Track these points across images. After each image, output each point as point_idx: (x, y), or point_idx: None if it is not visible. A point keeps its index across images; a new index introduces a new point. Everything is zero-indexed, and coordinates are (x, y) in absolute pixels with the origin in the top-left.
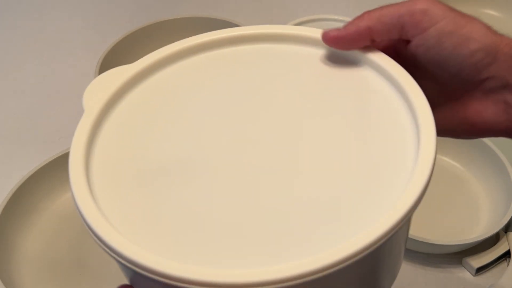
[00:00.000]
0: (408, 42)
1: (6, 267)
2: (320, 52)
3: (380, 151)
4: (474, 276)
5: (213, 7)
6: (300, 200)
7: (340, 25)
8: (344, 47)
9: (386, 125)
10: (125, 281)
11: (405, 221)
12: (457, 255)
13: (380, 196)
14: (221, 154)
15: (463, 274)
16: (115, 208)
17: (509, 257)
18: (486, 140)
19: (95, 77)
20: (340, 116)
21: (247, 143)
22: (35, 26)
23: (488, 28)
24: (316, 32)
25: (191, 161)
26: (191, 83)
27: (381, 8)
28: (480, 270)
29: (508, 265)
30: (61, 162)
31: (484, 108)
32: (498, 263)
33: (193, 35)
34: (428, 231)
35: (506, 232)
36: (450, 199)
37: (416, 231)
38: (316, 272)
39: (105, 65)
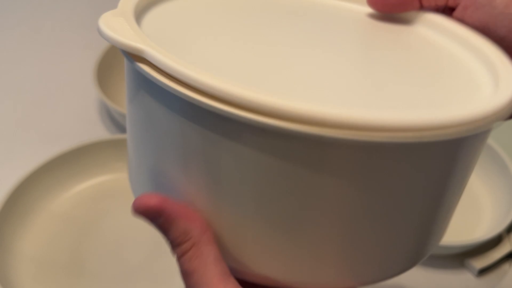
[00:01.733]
0: (453, 9)
1: (3, 268)
2: (368, 10)
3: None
4: (476, 277)
5: None
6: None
7: None
8: (390, 10)
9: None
10: (122, 282)
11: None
12: (459, 256)
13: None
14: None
15: (465, 276)
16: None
17: None
18: (488, 140)
19: (93, 76)
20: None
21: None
22: (33, 25)
23: None
24: None
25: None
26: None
27: None
28: (482, 271)
29: (510, 267)
30: (59, 162)
31: None
32: (501, 265)
33: None
34: None
35: (508, 233)
36: None
37: None
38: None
39: (104, 64)
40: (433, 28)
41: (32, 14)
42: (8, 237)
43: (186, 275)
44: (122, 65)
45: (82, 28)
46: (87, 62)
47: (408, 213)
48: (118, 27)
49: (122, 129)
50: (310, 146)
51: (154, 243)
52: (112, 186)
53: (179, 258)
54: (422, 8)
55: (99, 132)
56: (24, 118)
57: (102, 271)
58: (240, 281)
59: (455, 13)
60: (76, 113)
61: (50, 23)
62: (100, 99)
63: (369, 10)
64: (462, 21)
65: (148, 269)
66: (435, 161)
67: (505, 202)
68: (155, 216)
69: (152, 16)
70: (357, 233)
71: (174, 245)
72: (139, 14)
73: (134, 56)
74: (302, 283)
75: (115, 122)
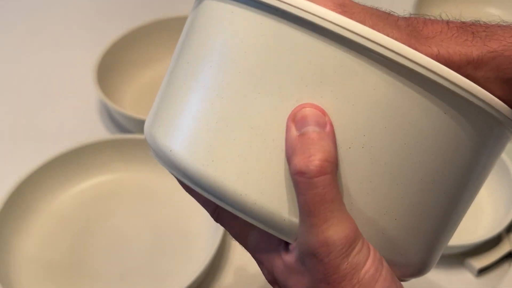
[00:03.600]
0: None
1: (3, 268)
2: None
3: None
4: (476, 277)
5: None
6: None
7: None
8: None
9: None
10: (122, 282)
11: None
12: (459, 256)
13: None
14: None
15: (465, 275)
16: None
17: None
18: None
19: (93, 76)
20: None
21: None
22: (33, 25)
23: None
24: None
25: None
26: None
27: None
28: (482, 271)
29: (510, 266)
30: (59, 162)
31: None
32: (501, 264)
33: None
34: None
35: (508, 233)
36: None
37: None
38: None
39: (104, 64)
40: None
41: (32, 14)
42: (8, 237)
43: (322, 202)
44: (122, 65)
45: (82, 28)
46: (87, 62)
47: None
48: None
49: (122, 129)
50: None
51: (154, 243)
52: (112, 186)
53: (320, 180)
54: None
55: (99, 132)
56: (24, 118)
57: (102, 271)
58: None
59: None
60: (76, 113)
61: (50, 23)
62: (100, 99)
63: None
64: None
65: (148, 269)
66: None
67: (504, 202)
68: (323, 123)
69: None
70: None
71: (320, 164)
72: None
73: None
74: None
75: (115, 122)
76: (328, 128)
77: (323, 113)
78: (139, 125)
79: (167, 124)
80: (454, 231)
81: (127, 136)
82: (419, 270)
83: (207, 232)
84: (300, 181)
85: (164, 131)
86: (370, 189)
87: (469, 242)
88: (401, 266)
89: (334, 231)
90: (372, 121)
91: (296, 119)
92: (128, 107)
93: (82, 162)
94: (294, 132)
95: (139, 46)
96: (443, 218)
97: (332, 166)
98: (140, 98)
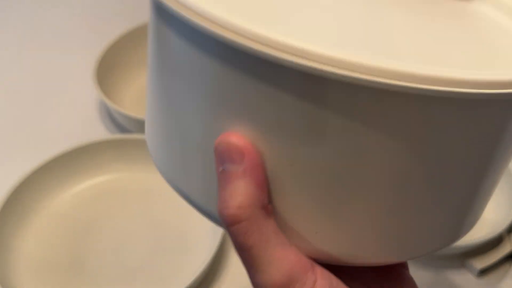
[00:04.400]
0: None
1: (3, 268)
2: None
3: None
4: (476, 277)
5: None
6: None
7: None
8: None
9: None
10: (122, 282)
11: None
12: (459, 257)
13: None
14: None
15: (466, 276)
16: None
17: None
18: None
19: (93, 76)
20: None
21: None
22: (33, 25)
23: None
24: None
25: None
26: None
27: None
28: (483, 271)
29: (511, 267)
30: (59, 162)
31: None
32: (501, 265)
33: None
34: None
35: (509, 233)
36: None
37: None
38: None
39: (104, 64)
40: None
41: (32, 14)
42: (8, 237)
43: (242, 250)
44: (122, 65)
45: (82, 28)
46: (87, 62)
47: (457, 181)
48: None
49: (122, 129)
50: (366, 97)
51: (154, 243)
52: (112, 186)
53: (235, 230)
54: None
55: (99, 132)
56: (24, 118)
57: (102, 271)
58: None
59: None
60: (76, 113)
61: (50, 23)
62: (100, 99)
63: None
64: None
65: (148, 269)
66: (491, 123)
67: (505, 202)
68: (240, 159)
69: None
70: (409, 201)
71: (233, 213)
72: None
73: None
74: (352, 256)
75: (115, 122)
76: (245, 165)
77: (242, 145)
78: (139, 125)
79: (151, 137)
80: (487, 199)
81: (127, 136)
82: (450, 241)
83: (207, 232)
84: (223, 225)
85: (150, 143)
86: (334, 211)
87: (470, 243)
88: (426, 247)
89: (262, 277)
90: (307, 142)
91: (216, 153)
92: (128, 107)
93: (82, 162)
94: (217, 167)
95: (139, 46)
96: (464, 204)
97: (249, 210)
98: (140, 98)
